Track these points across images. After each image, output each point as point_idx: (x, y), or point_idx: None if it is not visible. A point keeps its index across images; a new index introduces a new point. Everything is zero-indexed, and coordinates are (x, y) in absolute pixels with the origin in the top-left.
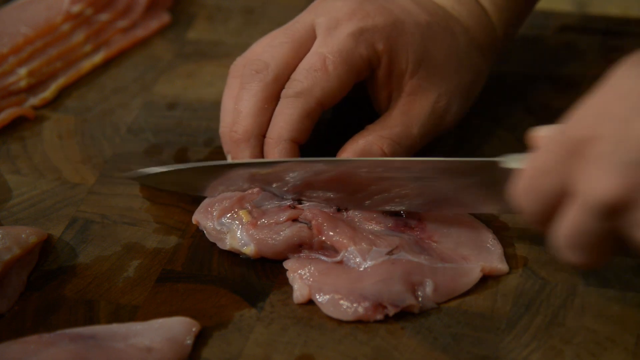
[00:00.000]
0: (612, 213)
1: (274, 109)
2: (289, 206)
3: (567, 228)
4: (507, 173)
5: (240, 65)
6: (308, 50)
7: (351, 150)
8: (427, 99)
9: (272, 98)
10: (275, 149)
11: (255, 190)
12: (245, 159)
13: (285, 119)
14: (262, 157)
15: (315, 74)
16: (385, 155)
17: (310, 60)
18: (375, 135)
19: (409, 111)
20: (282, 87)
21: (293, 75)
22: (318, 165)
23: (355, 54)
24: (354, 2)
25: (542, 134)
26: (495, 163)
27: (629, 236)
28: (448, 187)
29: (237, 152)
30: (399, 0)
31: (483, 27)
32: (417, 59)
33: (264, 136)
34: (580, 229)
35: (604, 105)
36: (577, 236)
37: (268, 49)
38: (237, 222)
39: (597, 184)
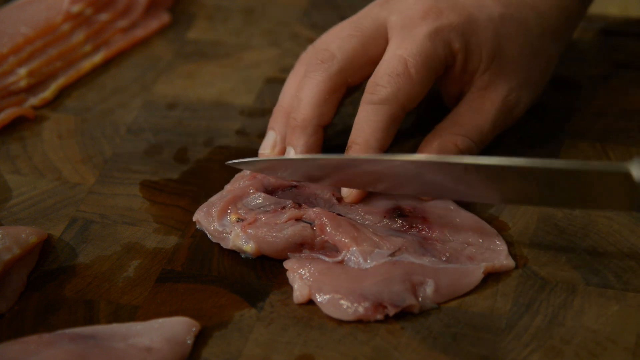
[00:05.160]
0: None
1: (335, 101)
2: (291, 207)
3: None
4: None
5: (310, 53)
6: (376, 47)
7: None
8: (499, 94)
9: (335, 89)
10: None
11: (251, 190)
12: (299, 145)
13: (372, 127)
14: (316, 145)
15: (398, 79)
16: (460, 151)
17: (391, 64)
18: (448, 134)
19: (480, 107)
20: (346, 80)
21: (375, 80)
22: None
23: (434, 55)
24: (427, 0)
25: None
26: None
27: None
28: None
29: (292, 138)
30: None
31: (558, 10)
32: (490, 55)
33: (321, 126)
34: None
35: None
36: None
37: (336, 39)
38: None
39: None
